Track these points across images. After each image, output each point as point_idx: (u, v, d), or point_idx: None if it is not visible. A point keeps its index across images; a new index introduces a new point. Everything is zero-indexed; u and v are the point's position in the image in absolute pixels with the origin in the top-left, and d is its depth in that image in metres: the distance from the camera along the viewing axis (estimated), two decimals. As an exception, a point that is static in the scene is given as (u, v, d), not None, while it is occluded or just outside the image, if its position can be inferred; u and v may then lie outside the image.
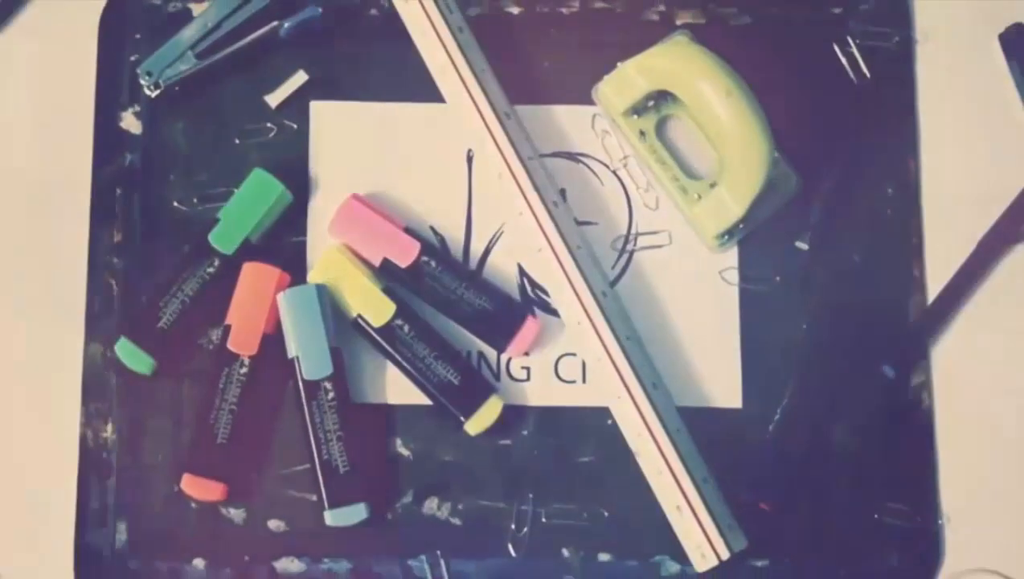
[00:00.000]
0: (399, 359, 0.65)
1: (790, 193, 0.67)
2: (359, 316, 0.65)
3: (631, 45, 0.67)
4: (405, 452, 0.66)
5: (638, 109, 0.67)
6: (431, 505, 0.65)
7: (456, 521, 0.65)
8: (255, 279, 0.65)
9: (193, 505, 0.65)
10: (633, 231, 0.68)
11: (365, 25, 0.69)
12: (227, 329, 0.64)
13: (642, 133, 0.68)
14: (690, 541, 0.62)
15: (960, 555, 0.66)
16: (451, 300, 0.65)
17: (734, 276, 0.67)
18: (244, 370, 0.64)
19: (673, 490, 0.62)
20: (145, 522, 0.65)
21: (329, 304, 0.65)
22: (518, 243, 0.67)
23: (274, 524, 0.65)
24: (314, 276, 0.65)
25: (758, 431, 0.65)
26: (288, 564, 0.64)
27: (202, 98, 0.68)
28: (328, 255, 0.65)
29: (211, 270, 0.65)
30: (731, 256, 0.68)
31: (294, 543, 0.65)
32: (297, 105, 0.68)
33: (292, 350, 0.64)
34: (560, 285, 0.65)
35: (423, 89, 0.68)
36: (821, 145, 0.68)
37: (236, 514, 0.65)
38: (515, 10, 0.69)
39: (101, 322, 0.66)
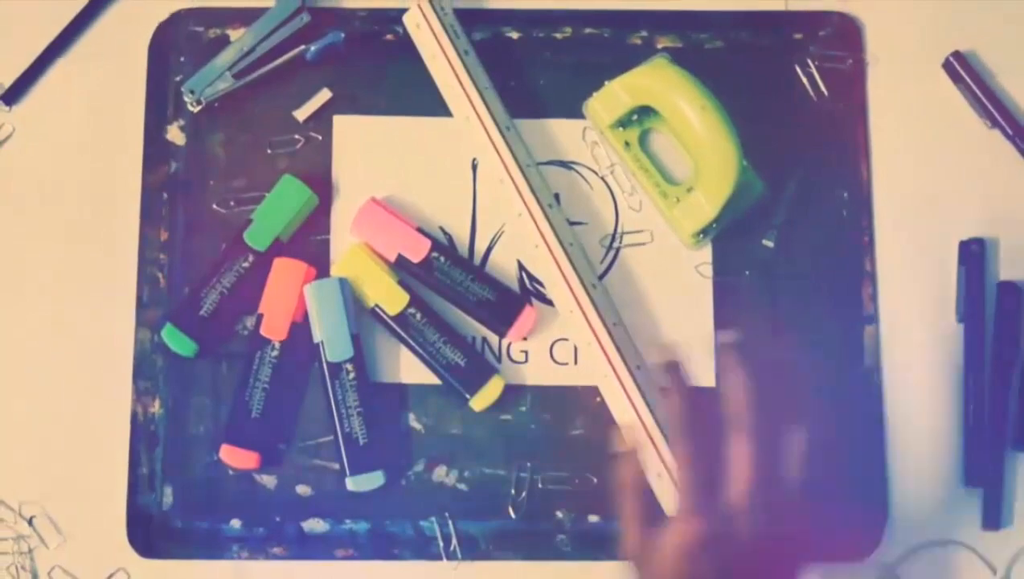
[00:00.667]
0: (412, 343, 0.67)
1: (757, 197, 0.69)
2: (376, 305, 0.67)
3: (617, 66, 0.69)
4: (417, 426, 0.68)
5: (623, 122, 0.70)
6: (440, 473, 0.67)
7: (462, 487, 0.67)
8: (285, 273, 0.67)
9: (230, 472, 0.67)
10: (619, 230, 0.70)
11: (382, 48, 0.72)
12: (260, 317, 0.67)
13: (627, 144, 0.70)
14: (669, 504, 0.63)
15: (903, 527, 0.67)
16: (458, 291, 0.68)
17: (708, 270, 0.70)
18: (275, 353, 0.67)
19: (654, 459, 0.64)
20: (188, 487, 0.67)
21: (350, 295, 0.67)
22: (517, 241, 0.69)
23: (301, 489, 0.67)
24: (337, 270, 0.68)
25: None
26: (314, 524, 0.67)
27: (238, 113, 0.71)
28: (349, 251, 0.68)
29: (246, 265, 0.68)
30: (705, 252, 0.70)
31: (319, 506, 0.67)
32: (322, 119, 0.71)
33: (317, 336, 0.66)
34: (555, 278, 0.67)
35: (433, 105, 0.70)
36: (784, 154, 0.70)
37: (268, 480, 0.67)
38: (514, 35, 0.72)
39: (149, 310, 0.69)
